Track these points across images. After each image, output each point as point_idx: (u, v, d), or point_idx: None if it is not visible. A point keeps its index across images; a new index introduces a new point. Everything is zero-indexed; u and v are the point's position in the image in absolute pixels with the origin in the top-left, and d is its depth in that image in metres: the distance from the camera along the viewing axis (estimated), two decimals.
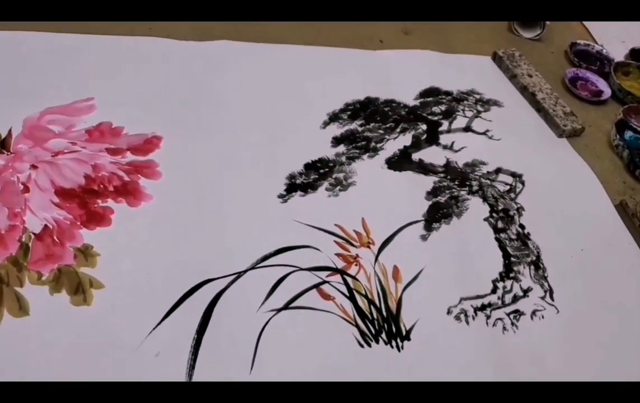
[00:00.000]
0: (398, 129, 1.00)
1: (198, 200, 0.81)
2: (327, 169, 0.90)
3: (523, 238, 0.87)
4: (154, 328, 0.66)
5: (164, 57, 1.01)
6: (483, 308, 0.78)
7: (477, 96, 1.11)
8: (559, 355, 0.75)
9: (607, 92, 1.20)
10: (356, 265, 0.79)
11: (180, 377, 0.63)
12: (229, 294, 0.71)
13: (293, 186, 0.86)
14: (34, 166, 0.78)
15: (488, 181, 0.94)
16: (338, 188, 0.87)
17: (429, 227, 0.85)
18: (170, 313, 0.68)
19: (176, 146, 0.87)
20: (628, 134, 1.09)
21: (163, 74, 0.98)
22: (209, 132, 0.90)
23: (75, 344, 0.64)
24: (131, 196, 0.78)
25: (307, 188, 0.86)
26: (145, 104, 0.92)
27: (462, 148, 0.99)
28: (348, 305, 0.74)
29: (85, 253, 0.71)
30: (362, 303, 0.75)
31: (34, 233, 0.71)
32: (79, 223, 0.73)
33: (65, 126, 0.84)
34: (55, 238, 0.71)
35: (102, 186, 0.78)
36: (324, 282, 0.75)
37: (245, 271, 0.74)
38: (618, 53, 1.31)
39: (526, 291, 0.81)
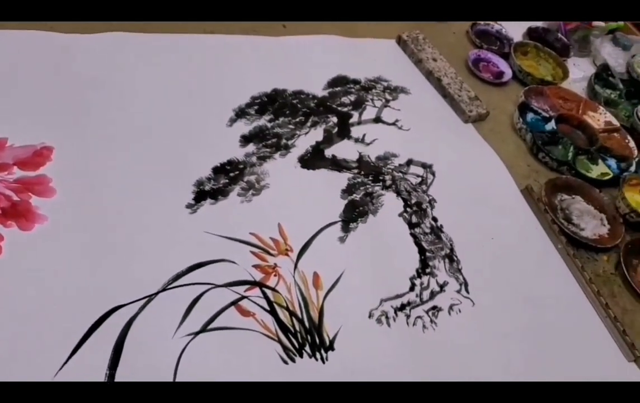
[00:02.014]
0: (309, 123, 0.97)
1: (98, 217, 0.74)
2: (237, 172, 0.86)
3: (436, 231, 0.88)
4: (60, 368, 0.61)
5: (48, 53, 0.92)
6: (403, 307, 0.78)
7: (385, 84, 1.10)
8: (477, 349, 0.76)
9: (508, 73, 1.23)
10: (275, 275, 0.76)
11: None
12: (140, 321, 0.67)
13: (202, 194, 0.81)
14: None
15: (400, 174, 0.94)
16: (251, 192, 0.84)
17: (346, 228, 0.84)
18: (78, 348, 0.63)
19: (69, 156, 0.79)
20: (530, 116, 1.13)
21: (48, 74, 0.89)
22: (105, 139, 0.83)
23: None
24: (23, 219, 0.71)
25: (218, 194, 0.82)
26: (30, 110, 0.84)
27: (374, 140, 0.98)
28: (269, 320, 0.71)
29: None
30: (283, 316, 0.72)
31: None
32: None
33: None
34: None
35: None
36: (243, 297, 0.72)
37: (156, 294, 0.69)
38: (516, 33, 1.35)
39: (442, 286, 0.82)
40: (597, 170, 1.08)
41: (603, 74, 1.31)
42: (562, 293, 0.87)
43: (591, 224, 0.98)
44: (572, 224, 0.97)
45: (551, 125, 1.12)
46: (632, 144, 1.14)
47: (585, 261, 0.92)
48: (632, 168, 1.09)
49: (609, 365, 0.80)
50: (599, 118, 1.19)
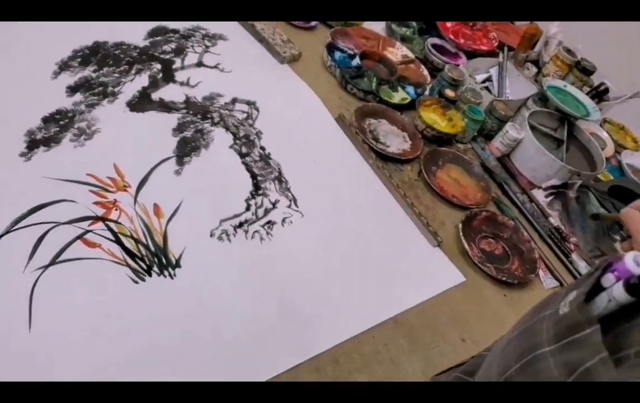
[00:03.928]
0: (133, 71, 1.00)
1: None
2: (67, 120, 0.87)
3: (265, 158, 0.97)
4: None
5: None
6: (241, 225, 0.86)
7: (203, 32, 1.16)
8: (310, 252, 0.87)
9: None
10: (116, 209, 0.80)
11: None
12: None
13: (34, 142, 0.82)
14: None
15: (227, 111, 1.01)
16: (83, 137, 0.86)
17: (180, 162, 0.90)
18: None
19: None
20: (337, 55, 1.25)
21: None
22: None
23: None
24: None
25: (50, 142, 0.83)
26: None
27: (198, 83, 1.04)
28: (116, 249, 0.76)
29: None
30: (129, 244, 0.77)
31: None
32: None
33: None
34: None
35: None
36: (87, 232, 0.76)
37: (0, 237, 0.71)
38: None
39: (275, 204, 0.91)
40: (398, 96, 1.24)
41: None
42: (376, 199, 1.00)
43: (395, 141, 1.13)
44: (380, 143, 1.11)
45: (356, 61, 1.25)
46: (425, 72, 1.33)
47: (392, 172, 1.06)
48: (427, 92, 1.27)
49: (418, 251, 0.96)
50: (397, 53, 1.36)
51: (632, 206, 0.65)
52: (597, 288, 0.45)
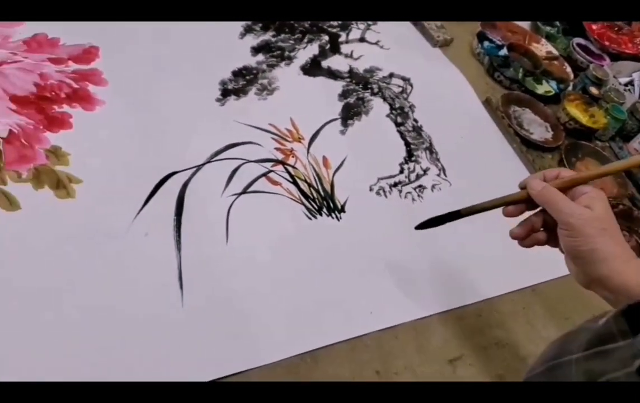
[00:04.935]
0: (305, 40, 1.12)
1: (147, 104, 0.87)
2: (252, 76, 1.00)
3: (417, 129, 1.06)
4: (137, 213, 0.74)
5: None
6: (395, 185, 0.95)
7: None
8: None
9: None
10: (292, 156, 0.91)
11: (171, 251, 0.73)
12: (193, 184, 0.81)
13: (226, 91, 0.95)
14: None
15: (385, 84, 1.11)
16: (265, 92, 0.98)
17: (345, 123, 1.00)
18: (148, 201, 0.76)
19: (114, 56, 0.91)
20: (486, 44, 1.32)
21: None
22: (144, 44, 0.95)
23: (68, 234, 0.70)
24: (85, 102, 0.83)
25: (239, 92, 0.96)
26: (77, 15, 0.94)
27: (360, 56, 1.14)
28: (293, 189, 0.87)
29: (56, 153, 0.76)
30: (303, 186, 0.88)
31: (1, 137, 0.74)
32: (41, 127, 0.77)
33: (1, 37, 0.85)
34: (23, 141, 0.75)
35: (54, 93, 0.82)
36: (270, 171, 0.88)
37: (203, 165, 0.84)
38: None
39: (425, 170, 0.99)
40: (542, 89, 1.28)
41: None
42: (519, 180, 1.06)
43: (538, 130, 1.19)
44: (524, 129, 1.16)
45: (503, 51, 1.31)
46: (568, 69, 1.36)
47: (534, 158, 1.12)
48: (570, 88, 1.31)
49: None
50: (541, 49, 1.40)
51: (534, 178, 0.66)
52: None
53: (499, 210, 0.70)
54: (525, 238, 0.68)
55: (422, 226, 0.74)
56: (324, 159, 0.93)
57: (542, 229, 0.68)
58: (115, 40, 0.94)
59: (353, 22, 1.21)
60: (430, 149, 1.03)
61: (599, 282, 0.60)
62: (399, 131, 1.04)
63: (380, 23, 1.24)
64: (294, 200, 0.86)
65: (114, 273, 0.68)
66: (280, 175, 0.88)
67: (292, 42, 1.10)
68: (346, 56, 1.13)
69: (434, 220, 0.74)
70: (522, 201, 0.68)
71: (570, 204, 0.60)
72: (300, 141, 0.94)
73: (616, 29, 1.58)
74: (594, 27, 1.53)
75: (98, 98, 0.84)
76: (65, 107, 0.81)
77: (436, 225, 0.73)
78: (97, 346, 0.62)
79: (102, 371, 0.61)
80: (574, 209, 0.60)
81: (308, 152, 0.93)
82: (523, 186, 0.68)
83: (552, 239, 0.67)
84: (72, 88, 0.83)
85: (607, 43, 1.51)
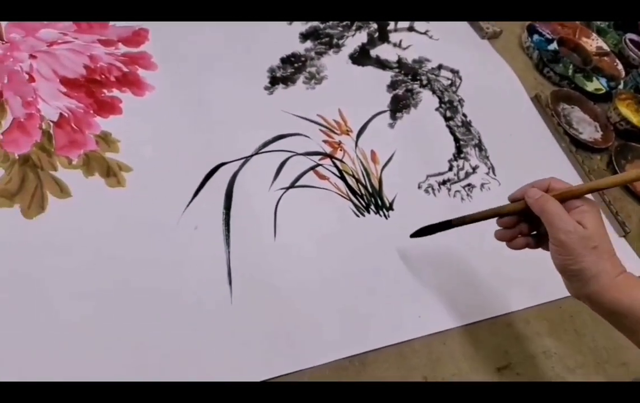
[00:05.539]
0: (354, 27, 1.09)
1: (196, 91, 0.86)
2: (300, 64, 0.98)
3: (466, 125, 1.03)
4: (187, 205, 0.73)
5: None
6: (444, 183, 0.93)
7: None
8: None
9: None
10: (341, 150, 0.89)
11: (220, 245, 0.71)
12: (241, 176, 0.79)
13: (275, 79, 0.93)
14: (32, 56, 0.78)
15: (434, 76, 1.08)
16: (313, 81, 0.96)
17: (393, 116, 0.98)
18: (197, 192, 0.75)
19: (164, 39, 0.90)
20: (535, 37, 1.28)
21: None
22: (193, 29, 0.94)
23: (119, 223, 0.69)
24: (134, 87, 0.81)
25: (287, 81, 0.94)
26: None
27: (409, 46, 1.11)
28: (341, 184, 0.85)
29: (106, 140, 0.74)
30: (351, 182, 0.86)
31: (52, 121, 0.73)
32: (91, 112, 0.76)
33: None
34: (73, 125, 0.74)
35: (103, 76, 0.80)
36: (318, 165, 0.86)
37: (251, 156, 0.82)
38: None
39: (475, 168, 0.97)
40: (592, 86, 1.24)
41: None
42: (567, 181, 1.03)
43: (587, 129, 1.15)
44: (573, 129, 1.13)
45: (553, 46, 1.27)
46: (620, 66, 1.32)
47: (583, 158, 1.09)
48: (621, 86, 1.26)
49: None
50: (592, 44, 1.36)
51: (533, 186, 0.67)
52: None
53: None
54: (510, 240, 0.70)
55: (416, 234, 0.76)
56: (372, 153, 0.91)
57: (533, 233, 0.70)
58: (164, 23, 0.92)
59: None
60: (480, 146, 1.01)
61: (587, 297, 0.62)
62: (448, 126, 1.01)
63: None
64: (342, 196, 0.84)
65: (164, 267, 0.67)
66: (328, 169, 0.86)
67: (340, 29, 1.07)
68: (395, 45, 1.11)
69: (427, 229, 0.76)
70: (515, 212, 0.69)
71: (564, 220, 0.61)
72: (348, 134, 0.92)
73: None
74: None
75: (147, 83, 0.83)
76: (115, 92, 0.80)
77: (429, 234, 0.76)
78: (143, 344, 0.62)
79: (151, 370, 0.60)
80: (567, 226, 0.60)
81: (356, 145, 0.91)
82: (513, 199, 0.69)
83: (543, 243, 0.68)
84: (122, 72, 0.82)
85: None
